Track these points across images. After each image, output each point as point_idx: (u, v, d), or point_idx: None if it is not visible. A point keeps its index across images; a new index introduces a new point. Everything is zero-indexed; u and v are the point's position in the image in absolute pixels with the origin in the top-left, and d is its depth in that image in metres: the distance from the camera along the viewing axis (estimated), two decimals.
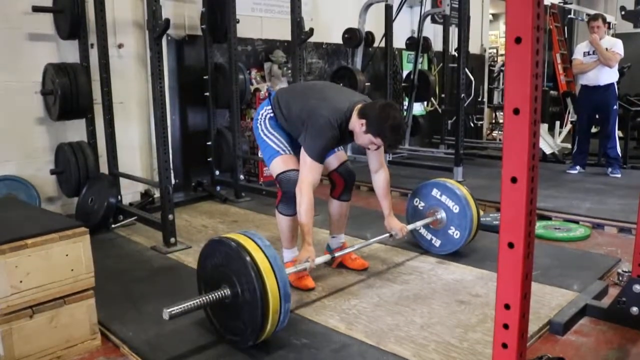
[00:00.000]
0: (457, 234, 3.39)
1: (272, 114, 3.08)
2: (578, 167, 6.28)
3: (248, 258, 2.22)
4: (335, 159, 3.20)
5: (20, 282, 2.20)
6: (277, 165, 3.01)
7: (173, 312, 2.18)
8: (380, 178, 3.19)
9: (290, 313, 2.70)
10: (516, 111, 1.12)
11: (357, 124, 2.84)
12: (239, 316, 2.29)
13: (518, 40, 1.11)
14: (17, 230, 2.30)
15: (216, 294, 2.30)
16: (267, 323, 2.21)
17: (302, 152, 2.89)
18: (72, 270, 2.35)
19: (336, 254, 3.05)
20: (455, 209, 3.38)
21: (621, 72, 6.57)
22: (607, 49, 5.85)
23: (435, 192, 3.48)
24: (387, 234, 3.25)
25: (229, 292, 2.30)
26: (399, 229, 3.20)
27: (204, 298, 2.29)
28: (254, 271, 2.19)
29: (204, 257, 2.48)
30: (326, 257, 2.97)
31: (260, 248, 2.28)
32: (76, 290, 2.38)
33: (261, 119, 3.11)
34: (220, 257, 2.37)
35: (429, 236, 3.54)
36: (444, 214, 3.44)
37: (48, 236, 2.28)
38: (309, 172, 2.85)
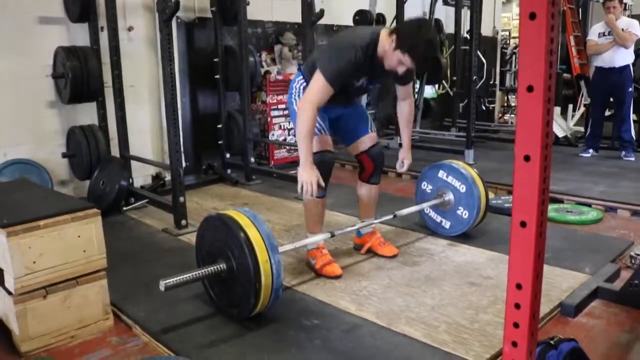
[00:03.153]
0: (465, 214, 3.38)
1: (305, 84, 2.93)
2: (591, 151, 6.22)
3: (241, 234, 2.29)
4: (368, 139, 3.10)
5: (34, 262, 2.22)
6: (313, 145, 2.85)
7: (169, 284, 2.28)
8: (405, 107, 3.18)
9: (301, 294, 2.74)
10: (530, 88, 1.10)
11: (386, 42, 2.64)
12: (235, 287, 2.37)
13: (532, 16, 1.09)
14: (30, 211, 2.32)
15: (211, 268, 2.39)
16: (259, 297, 2.28)
17: (316, 72, 2.67)
18: (84, 251, 2.37)
19: (336, 233, 2.94)
20: (462, 188, 3.36)
21: (637, 53, 6.46)
22: (623, 29, 5.75)
23: (441, 174, 3.46)
24: (391, 215, 3.24)
25: (225, 266, 2.38)
26: (402, 159, 3.24)
27: (199, 271, 2.38)
28: (246, 246, 2.26)
29: (201, 233, 2.57)
30: (325, 235, 2.90)
31: (253, 223, 2.34)
32: (89, 271, 2.41)
33: (295, 92, 2.96)
34: (216, 232, 2.45)
35: (438, 218, 3.53)
36: (452, 195, 3.43)
37: (60, 217, 2.29)
38: (317, 91, 2.64)
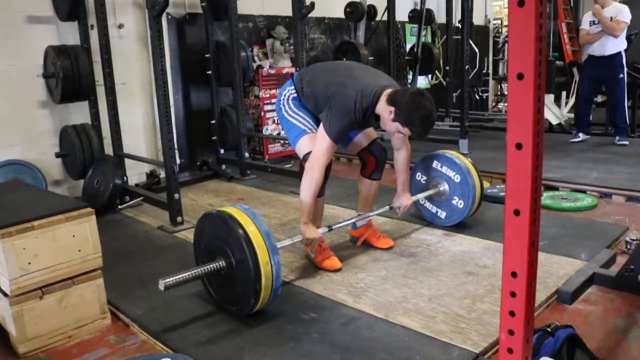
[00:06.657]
0: (461, 204, 3.38)
1: (295, 94, 2.97)
2: (581, 135, 6.19)
3: (240, 230, 2.28)
4: (364, 137, 3.11)
5: (29, 263, 2.21)
6: (305, 145, 2.88)
7: (168, 283, 2.26)
8: (401, 154, 3.15)
9: (299, 288, 2.74)
10: (520, 76, 1.10)
11: (385, 111, 2.69)
12: (235, 286, 2.36)
13: (521, 3, 1.08)
14: (23, 212, 2.31)
15: (210, 265, 2.38)
16: (259, 298, 2.28)
17: (321, 129, 2.78)
18: (79, 250, 2.36)
19: (333, 227, 2.95)
20: (457, 178, 3.37)
21: (629, 39, 6.45)
22: (612, 17, 5.73)
23: (435, 164, 3.46)
24: (387, 207, 3.23)
25: (224, 264, 2.37)
26: (401, 202, 3.20)
27: (198, 270, 2.36)
28: (245, 242, 2.25)
29: (200, 229, 2.55)
30: (323, 229, 2.90)
31: (254, 222, 2.32)
32: (84, 270, 2.40)
33: (284, 99, 3.00)
34: (215, 229, 2.44)
35: (434, 209, 3.53)
36: (447, 185, 3.43)
37: (54, 217, 2.28)
38: (326, 151, 2.76)
